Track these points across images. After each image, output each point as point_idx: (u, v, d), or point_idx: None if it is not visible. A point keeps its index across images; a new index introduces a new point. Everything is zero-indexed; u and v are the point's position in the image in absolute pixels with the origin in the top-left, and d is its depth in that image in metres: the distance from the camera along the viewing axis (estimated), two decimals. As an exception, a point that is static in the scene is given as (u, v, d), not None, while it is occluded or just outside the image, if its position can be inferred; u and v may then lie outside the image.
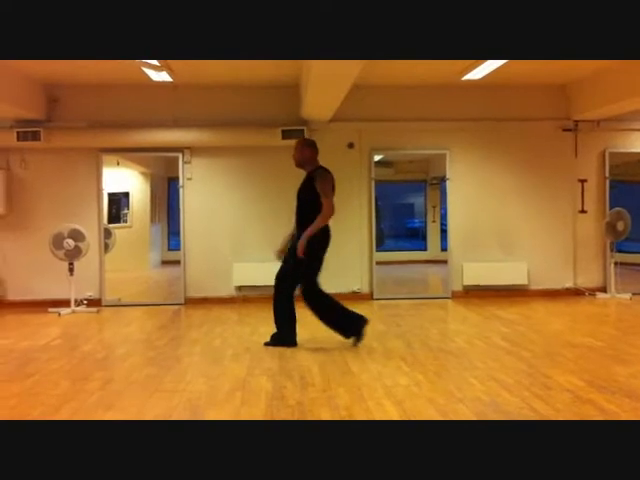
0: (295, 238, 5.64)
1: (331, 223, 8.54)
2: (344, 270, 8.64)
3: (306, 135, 8.19)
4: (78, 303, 8.03)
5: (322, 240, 5.57)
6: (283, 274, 5.69)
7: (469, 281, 8.68)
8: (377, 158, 8.87)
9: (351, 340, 5.65)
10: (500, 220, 8.77)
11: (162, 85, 8.06)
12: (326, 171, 5.61)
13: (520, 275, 8.69)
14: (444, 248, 9.23)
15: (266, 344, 5.72)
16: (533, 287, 8.76)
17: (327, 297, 5.64)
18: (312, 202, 5.53)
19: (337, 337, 6.01)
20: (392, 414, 3.70)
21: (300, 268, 5.52)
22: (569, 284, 8.81)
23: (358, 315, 5.66)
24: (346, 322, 5.67)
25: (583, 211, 8.82)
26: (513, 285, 8.72)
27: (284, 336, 5.67)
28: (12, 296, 8.39)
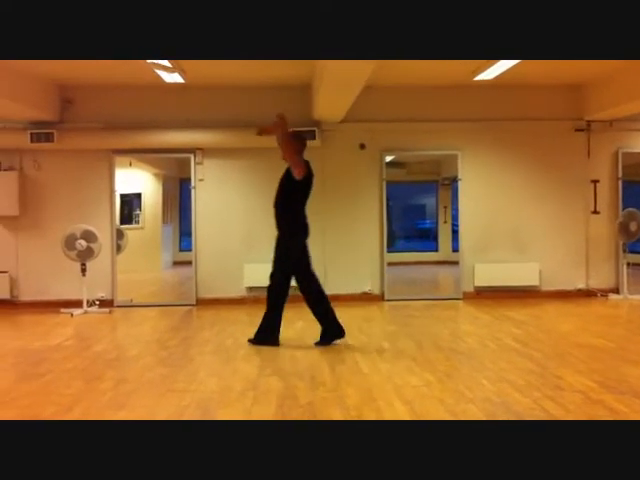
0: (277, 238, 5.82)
1: (343, 223, 8.59)
2: (355, 271, 8.65)
3: (317, 136, 8.21)
4: (90, 304, 8.08)
5: (296, 235, 5.75)
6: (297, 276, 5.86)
7: (480, 282, 8.65)
8: (388, 159, 8.86)
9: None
10: (512, 221, 8.74)
11: (174, 86, 8.10)
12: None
13: (532, 276, 8.65)
14: (455, 249, 9.22)
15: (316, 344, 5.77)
16: (545, 288, 8.71)
17: (286, 295, 5.80)
18: (287, 196, 5.73)
19: (347, 337, 6.01)
20: (402, 414, 3.70)
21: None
22: (581, 285, 8.77)
23: (276, 334, 5.79)
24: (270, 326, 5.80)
25: (596, 212, 8.77)
26: (525, 286, 8.68)
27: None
28: (25, 297, 8.45)
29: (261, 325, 5.86)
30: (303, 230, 5.78)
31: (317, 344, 5.73)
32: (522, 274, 8.69)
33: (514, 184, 8.76)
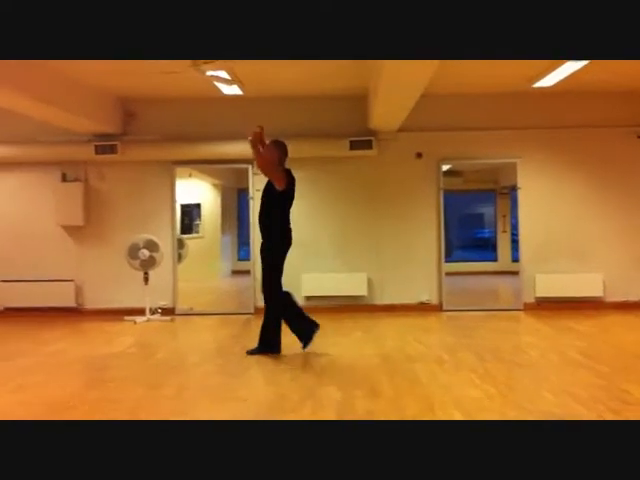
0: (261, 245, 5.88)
1: (399, 233, 8.54)
2: (412, 281, 8.60)
3: (374, 146, 8.22)
4: (152, 312, 8.26)
5: (281, 240, 5.79)
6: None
7: (542, 293, 8.47)
8: (445, 168, 8.80)
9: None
10: (574, 230, 8.54)
11: (233, 98, 8.23)
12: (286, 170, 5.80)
13: (595, 287, 8.42)
14: (515, 259, 9.06)
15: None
16: (608, 299, 8.47)
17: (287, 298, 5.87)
18: (270, 206, 5.77)
19: (405, 348, 6.01)
20: (463, 426, 3.66)
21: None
22: (647, 296, 8.50)
23: (310, 321, 5.85)
24: (302, 327, 5.84)
25: (662, 220, 8.49)
26: (587, 297, 8.46)
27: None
28: (90, 304, 8.70)
29: (264, 335, 5.87)
30: (287, 238, 5.84)
31: (304, 348, 5.81)
32: (585, 284, 8.47)
33: (575, 192, 8.56)
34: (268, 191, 5.79)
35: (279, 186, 5.69)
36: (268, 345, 5.80)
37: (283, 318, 5.83)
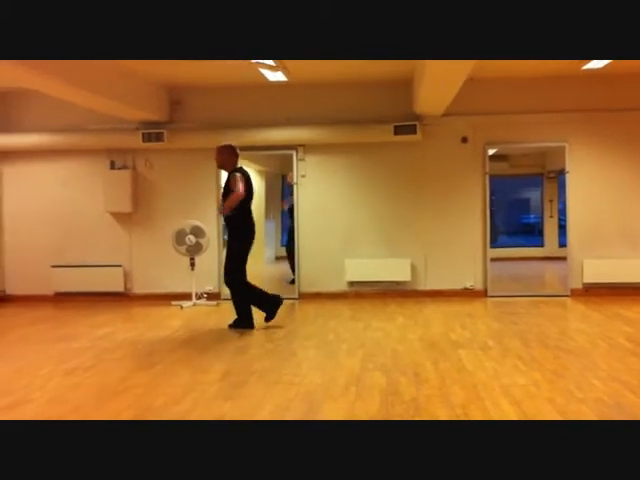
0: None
1: (444, 218, 8.47)
2: (457, 266, 8.54)
3: (418, 130, 8.15)
4: (199, 296, 8.39)
5: (245, 234, 6.38)
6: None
7: (590, 278, 8.32)
8: (491, 152, 8.68)
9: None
10: (624, 215, 8.34)
11: (277, 84, 8.26)
12: (238, 172, 6.31)
13: (646, 272, 8.24)
14: (562, 244, 8.91)
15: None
16: (660, 285, 8.28)
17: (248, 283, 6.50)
18: (228, 197, 6.26)
19: (450, 334, 6.00)
20: (510, 414, 3.63)
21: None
22: (700, 282, 8.27)
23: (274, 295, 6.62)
24: (265, 302, 6.56)
25: None
26: (637, 283, 8.27)
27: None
28: (138, 289, 8.87)
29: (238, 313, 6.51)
30: (250, 229, 6.40)
31: (230, 326, 6.49)
32: (634, 270, 8.28)
33: (626, 176, 8.36)
34: (228, 186, 6.31)
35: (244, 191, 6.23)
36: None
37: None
